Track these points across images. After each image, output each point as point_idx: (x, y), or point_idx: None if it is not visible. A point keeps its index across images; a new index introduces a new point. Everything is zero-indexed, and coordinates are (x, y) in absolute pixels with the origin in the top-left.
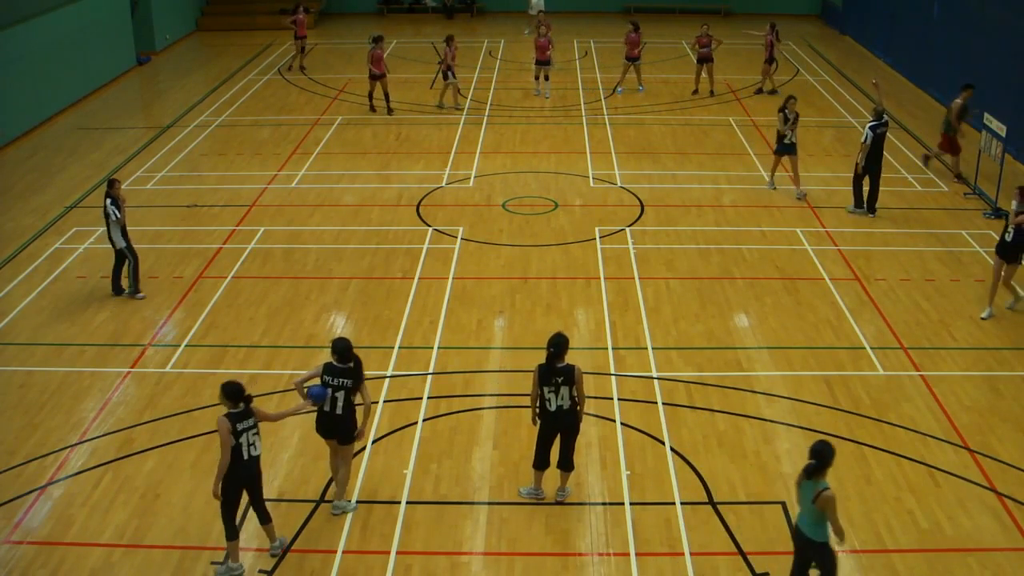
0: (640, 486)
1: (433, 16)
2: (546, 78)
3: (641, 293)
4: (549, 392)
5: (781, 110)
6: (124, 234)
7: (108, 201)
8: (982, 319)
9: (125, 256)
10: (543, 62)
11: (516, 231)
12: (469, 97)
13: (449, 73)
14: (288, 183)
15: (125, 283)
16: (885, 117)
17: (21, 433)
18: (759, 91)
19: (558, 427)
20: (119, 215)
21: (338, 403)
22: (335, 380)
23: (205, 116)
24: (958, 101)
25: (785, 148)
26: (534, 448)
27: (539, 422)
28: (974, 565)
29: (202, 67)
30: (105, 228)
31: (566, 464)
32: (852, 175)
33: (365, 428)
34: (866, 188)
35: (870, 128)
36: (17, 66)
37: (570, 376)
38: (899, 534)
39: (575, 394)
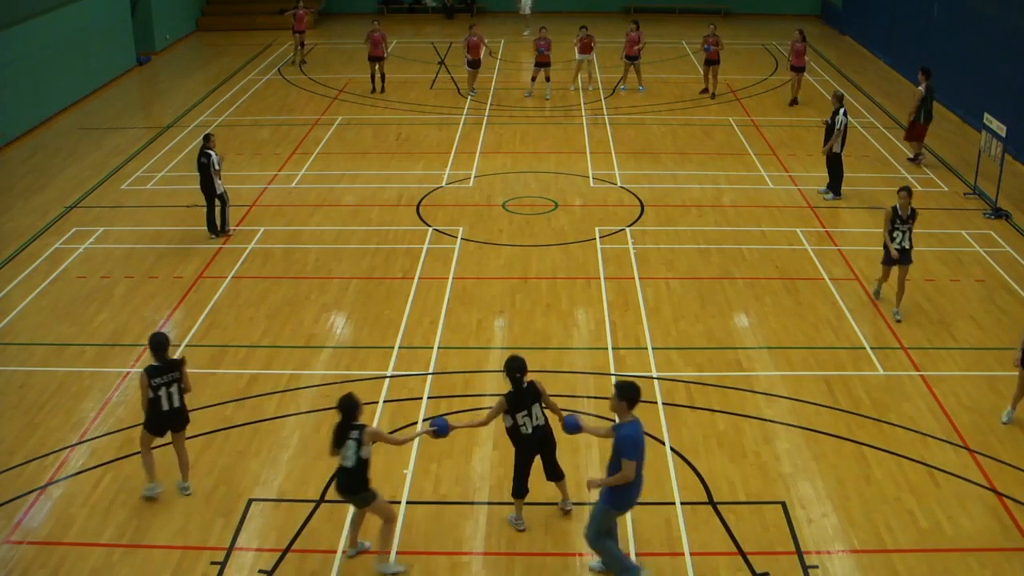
0: None
1: (433, 16)
2: (547, 79)
3: (641, 293)
4: (523, 417)
5: (892, 210)
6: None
7: (212, 152)
8: (1005, 423)
9: (224, 200)
10: (543, 63)
11: (516, 231)
12: (469, 97)
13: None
14: (288, 183)
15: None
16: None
17: (21, 433)
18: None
19: (538, 447)
20: (220, 165)
21: None
22: None
23: (205, 116)
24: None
25: (895, 255)
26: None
27: (516, 448)
28: (974, 565)
29: (202, 67)
30: (200, 179)
31: (556, 474)
32: (826, 158)
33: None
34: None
35: (844, 114)
36: (17, 66)
37: (536, 394)
38: (899, 534)
39: (544, 406)
